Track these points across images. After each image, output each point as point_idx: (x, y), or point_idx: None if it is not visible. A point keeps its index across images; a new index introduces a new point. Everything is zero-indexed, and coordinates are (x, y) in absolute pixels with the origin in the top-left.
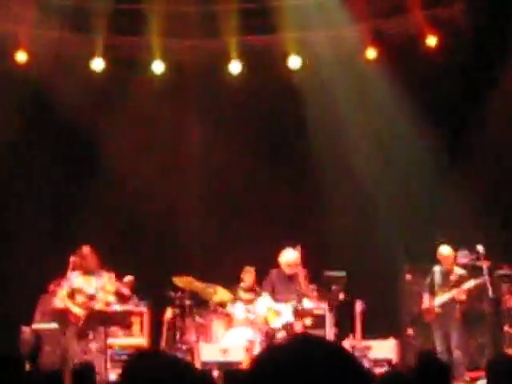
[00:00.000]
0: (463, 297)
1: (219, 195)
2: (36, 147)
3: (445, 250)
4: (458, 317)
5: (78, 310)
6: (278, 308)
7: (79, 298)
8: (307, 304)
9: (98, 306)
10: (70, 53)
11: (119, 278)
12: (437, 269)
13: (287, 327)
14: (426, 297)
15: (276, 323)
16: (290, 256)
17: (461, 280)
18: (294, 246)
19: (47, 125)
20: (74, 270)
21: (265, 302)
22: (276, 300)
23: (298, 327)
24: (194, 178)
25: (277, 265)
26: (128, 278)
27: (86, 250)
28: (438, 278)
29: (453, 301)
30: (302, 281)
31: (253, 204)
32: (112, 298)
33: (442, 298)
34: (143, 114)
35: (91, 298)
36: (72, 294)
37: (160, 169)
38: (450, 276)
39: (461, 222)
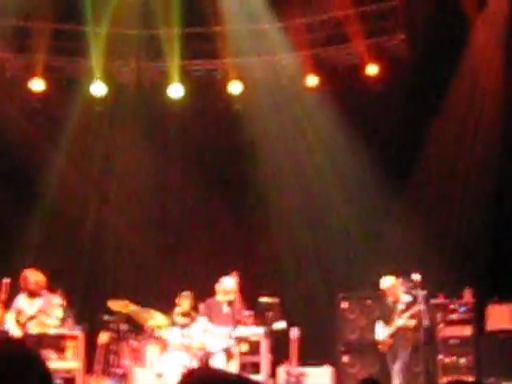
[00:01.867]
0: (411, 323)
1: (158, 219)
2: None
3: (387, 281)
4: (408, 344)
5: (17, 332)
6: (211, 332)
7: (21, 319)
8: (242, 330)
9: (34, 327)
10: (9, 73)
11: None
12: (388, 300)
13: (220, 353)
14: (378, 328)
15: (213, 347)
16: (228, 284)
17: (408, 307)
18: (231, 272)
19: None
20: (19, 292)
21: (200, 326)
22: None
23: (235, 352)
24: (133, 202)
25: (213, 292)
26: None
27: (31, 272)
28: (388, 309)
29: (401, 329)
30: (237, 306)
31: (192, 229)
32: (51, 321)
33: (390, 328)
34: (83, 135)
35: (30, 318)
36: (18, 318)
37: (98, 192)
38: (397, 305)
39: (398, 251)
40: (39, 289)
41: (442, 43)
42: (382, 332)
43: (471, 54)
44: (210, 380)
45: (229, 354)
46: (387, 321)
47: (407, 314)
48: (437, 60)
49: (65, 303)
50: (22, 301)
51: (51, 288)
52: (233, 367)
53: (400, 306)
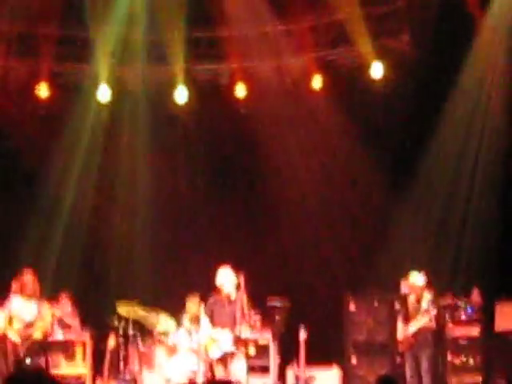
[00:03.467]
0: (432, 324)
1: (167, 222)
2: None
3: (415, 278)
4: (429, 343)
5: (14, 337)
6: (216, 336)
7: (16, 324)
8: (247, 333)
9: (37, 334)
10: (15, 78)
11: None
12: (410, 297)
13: (226, 357)
14: (399, 326)
15: (214, 353)
16: (224, 275)
17: (431, 305)
18: (237, 273)
19: None
20: (14, 293)
21: (206, 330)
22: (214, 326)
23: (240, 356)
24: (140, 205)
25: (215, 289)
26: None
27: (27, 274)
28: (410, 306)
29: (423, 329)
30: (243, 306)
31: (201, 230)
32: (50, 329)
33: (413, 325)
34: (89, 140)
35: (28, 325)
36: (10, 320)
37: (107, 195)
38: (421, 303)
39: (405, 251)
40: (36, 292)
41: (446, 43)
42: (402, 331)
43: (476, 53)
44: None
45: (231, 359)
46: (407, 319)
47: (430, 315)
48: (442, 60)
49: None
50: (16, 303)
51: (56, 291)
52: (240, 368)
53: (424, 306)
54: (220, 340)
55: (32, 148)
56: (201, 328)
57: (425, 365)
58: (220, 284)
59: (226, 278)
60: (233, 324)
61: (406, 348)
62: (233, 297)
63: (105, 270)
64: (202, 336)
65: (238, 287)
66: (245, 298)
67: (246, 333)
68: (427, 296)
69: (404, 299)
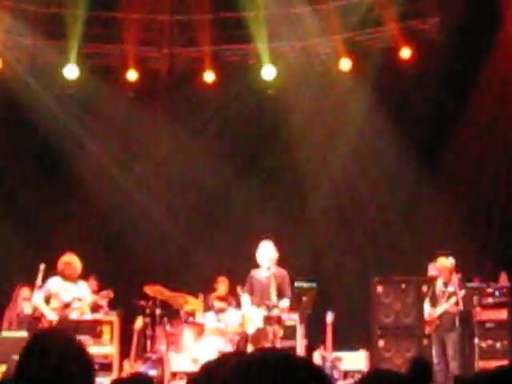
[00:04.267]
0: (454, 309)
1: (193, 205)
2: (9, 154)
3: (444, 261)
4: (455, 326)
5: (52, 316)
6: (251, 314)
7: (54, 304)
8: (286, 304)
9: (73, 315)
10: (43, 60)
11: (98, 289)
12: (439, 280)
13: (258, 333)
14: (426, 308)
15: (249, 329)
16: (266, 248)
17: (458, 288)
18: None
19: (20, 132)
20: (55, 274)
21: (237, 311)
22: (253, 302)
23: (270, 334)
24: (166, 187)
25: (256, 264)
26: (106, 293)
27: (70, 256)
28: (438, 289)
29: (448, 312)
30: (283, 282)
31: (228, 214)
32: (87, 310)
33: (439, 309)
34: (117, 122)
35: (66, 306)
36: (48, 299)
37: (134, 178)
38: (448, 287)
39: (433, 235)
40: (75, 274)
41: (476, 27)
42: (429, 312)
43: (505, 38)
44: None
45: (267, 337)
46: (434, 302)
47: (457, 297)
48: (470, 44)
49: (96, 288)
50: (56, 283)
51: (85, 274)
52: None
53: (450, 289)
54: (252, 317)
55: (60, 128)
56: (229, 309)
57: (451, 350)
58: (264, 257)
59: (269, 252)
60: (268, 290)
61: (432, 330)
62: (272, 270)
63: (134, 252)
64: (232, 317)
65: (277, 262)
66: (286, 274)
67: (284, 304)
68: (455, 279)
69: (431, 282)
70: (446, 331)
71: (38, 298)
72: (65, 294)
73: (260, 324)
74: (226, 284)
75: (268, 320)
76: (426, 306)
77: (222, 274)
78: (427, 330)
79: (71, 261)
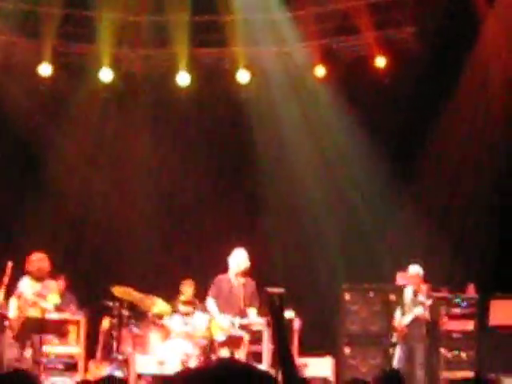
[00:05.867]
0: (426, 315)
1: (164, 207)
2: None
3: (414, 269)
4: (424, 336)
5: (11, 313)
6: (221, 320)
7: (20, 302)
8: (254, 316)
9: (33, 312)
10: (17, 57)
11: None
12: (408, 288)
13: (234, 340)
14: (397, 315)
15: (218, 336)
16: (240, 256)
17: (426, 297)
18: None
19: None
20: (24, 274)
21: (213, 313)
22: (219, 306)
23: (245, 341)
24: (139, 189)
25: (225, 269)
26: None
27: (37, 255)
28: (408, 298)
29: (417, 320)
30: (253, 291)
31: (198, 217)
32: (50, 307)
33: (407, 317)
34: (91, 122)
35: (32, 304)
36: (19, 298)
37: (106, 179)
38: (418, 295)
39: (402, 244)
40: (43, 273)
41: (451, 37)
42: (399, 320)
43: (481, 48)
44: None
45: (236, 343)
46: (404, 310)
47: (425, 306)
48: (446, 54)
49: (63, 288)
50: (24, 283)
51: (54, 273)
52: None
53: (420, 297)
54: (224, 324)
55: (32, 126)
56: (195, 312)
57: (419, 358)
58: (236, 264)
59: (243, 260)
60: (238, 306)
61: (400, 338)
62: (241, 280)
63: (103, 252)
64: (198, 320)
65: (247, 272)
66: (253, 283)
67: (253, 316)
68: (423, 288)
69: (400, 290)
70: (416, 340)
71: (13, 304)
72: (29, 293)
73: (233, 331)
74: (191, 287)
75: (244, 327)
76: (398, 314)
77: (187, 277)
78: (395, 337)
79: (38, 260)
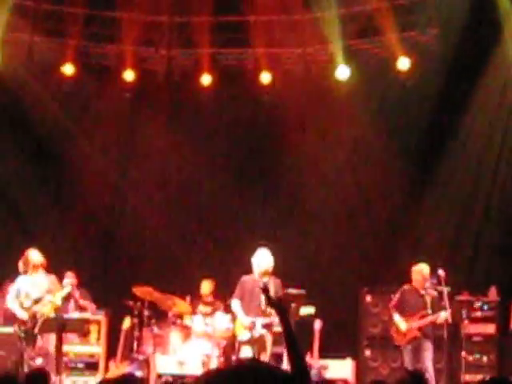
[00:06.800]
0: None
1: (186, 207)
2: (3, 150)
3: (419, 267)
4: (432, 339)
5: (22, 314)
6: (245, 321)
7: (26, 303)
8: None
9: (45, 309)
10: (41, 57)
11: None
12: (406, 287)
13: (257, 340)
14: (397, 318)
15: (243, 336)
16: (263, 256)
17: (434, 302)
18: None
19: (16, 127)
20: (21, 274)
21: (225, 315)
22: (244, 305)
23: (269, 341)
24: (161, 189)
25: (250, 270)
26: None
27: (30, 252)
28: (409, 297)
29: (431, 324)
30: (276, 291)
31: (219, 217)
32: (59, 301)
33: (420, 321)
34: (113, 122)
35: (36, 301)
36: (18, 297)
37: (128, 179)
38: (425, 296)
39: (424, 247)
40: (35, 266)
41: (474, 39)
42: (403, 323)
43: (503, 50)
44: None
45: (260, 344)
46: (408, 311)
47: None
48: (468, 55)
49: (74, 284)
50: (23, 282)
51: (63, 269)
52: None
53: (427, 299)
54: (247, 324)
55: (54, 125)
56: (216, 312)
57: (428, 360)
58: (258, 264)
59: (263, 259)
60: (261, 307)
61: (405, 341)
62: (265, 279)
63: (124, 252)
64: (219, 321)
65: (271, 271)
66: (279, 281)
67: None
68: (430, 291)
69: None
70: (426, 341)
71: (10, 299)
72: (33, 291)
73: (260, 331)
74: (210, 287)
75: (267, 327)
76: (397, 317)
77: (206, 277)
78: (397, 341)
79: (32, 256)
